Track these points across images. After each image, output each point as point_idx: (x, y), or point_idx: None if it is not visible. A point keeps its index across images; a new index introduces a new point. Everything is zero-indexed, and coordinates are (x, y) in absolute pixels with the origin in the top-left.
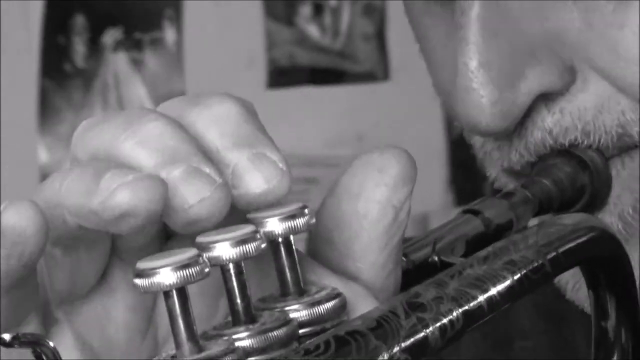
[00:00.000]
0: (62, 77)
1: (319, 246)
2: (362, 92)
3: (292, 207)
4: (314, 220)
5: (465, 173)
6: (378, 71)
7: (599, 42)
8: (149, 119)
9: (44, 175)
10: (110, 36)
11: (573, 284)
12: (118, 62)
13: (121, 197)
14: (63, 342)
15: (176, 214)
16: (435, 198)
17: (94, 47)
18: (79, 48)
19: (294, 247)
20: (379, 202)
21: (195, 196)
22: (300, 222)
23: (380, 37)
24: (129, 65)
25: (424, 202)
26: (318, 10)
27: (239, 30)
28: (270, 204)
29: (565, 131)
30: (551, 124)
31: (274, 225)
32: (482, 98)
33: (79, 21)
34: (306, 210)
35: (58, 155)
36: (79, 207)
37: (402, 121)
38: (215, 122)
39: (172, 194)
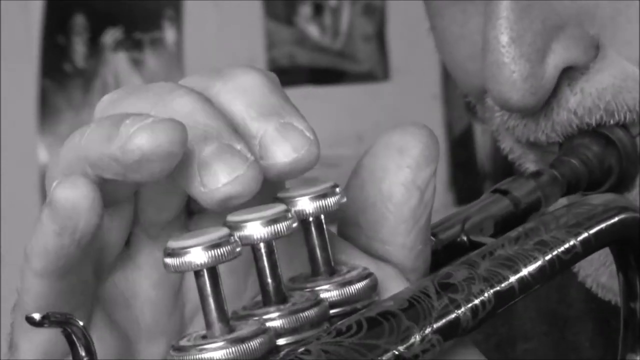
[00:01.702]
0: (62, 77)
1: (346, 229)
2: (362, 92)
3: (323, 186)
4: (345, 199)
5: (465, 173)
6: (378, 71)
7: (625, 11)
8: (179, 94)
9: (44, 175)
10: (110, 36)
11: (595, 269)
12: (118, 62)
13: (140, 139)
14: (92, 321)
15: (208, 191)
16: (435, 198)
17: (94, 47)
18: (79, 48)
19: (325, 227)
20: (403, 185)
21: (228, 174)
22: (331, 201)
23: (380, 37)
24: (129, 65)
25: None
26: (318, 10)
27: (239, 30)
28: (300, 174)
29: (589, 111)
30: (574, 105)
31: (305, 204)
32: (514, 73)
33: (79, 21)
34: (337, 189)
35: None
36: (99, 155)
37: (402, 121)
38: (240, 93)
39: (205, 172)
